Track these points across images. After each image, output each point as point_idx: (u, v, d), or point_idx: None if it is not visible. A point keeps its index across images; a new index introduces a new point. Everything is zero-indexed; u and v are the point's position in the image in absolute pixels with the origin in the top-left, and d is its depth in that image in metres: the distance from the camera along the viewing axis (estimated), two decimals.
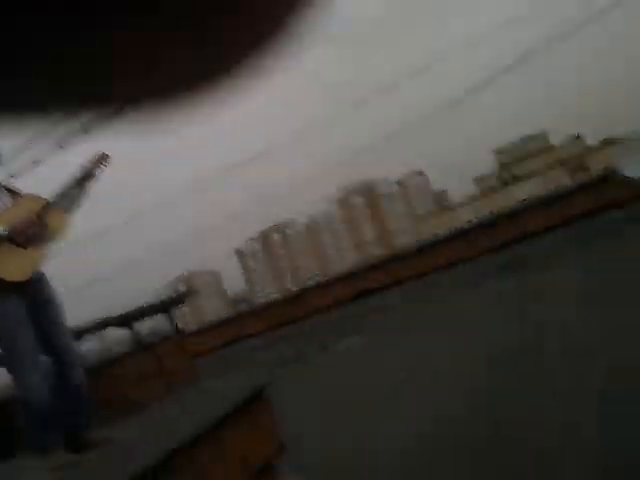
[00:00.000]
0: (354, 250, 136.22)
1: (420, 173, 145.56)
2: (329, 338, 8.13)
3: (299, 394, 4.80)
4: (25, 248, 3.28)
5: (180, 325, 9.97)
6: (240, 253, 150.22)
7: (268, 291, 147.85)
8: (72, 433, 3.30)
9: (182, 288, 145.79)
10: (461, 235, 11.17)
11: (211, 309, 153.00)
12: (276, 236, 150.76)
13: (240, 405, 3.12)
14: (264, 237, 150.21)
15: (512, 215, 10.77)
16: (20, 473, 3.16)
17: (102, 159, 3.71)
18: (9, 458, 5.03)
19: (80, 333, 6.23)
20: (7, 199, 3.44)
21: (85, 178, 3.59)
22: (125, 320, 9.01)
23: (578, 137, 61.75)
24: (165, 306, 10.09)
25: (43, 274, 3.42)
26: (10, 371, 3.27)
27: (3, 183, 3.50)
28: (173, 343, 8.93)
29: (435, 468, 3.24)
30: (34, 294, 3.32)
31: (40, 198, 3.47)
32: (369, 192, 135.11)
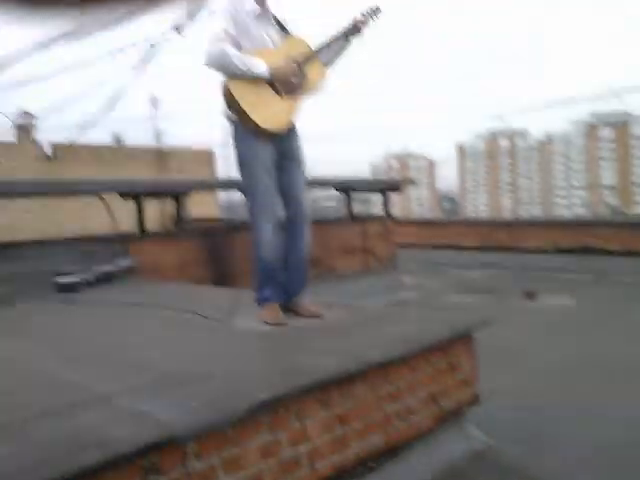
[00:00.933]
0: (585, 191, 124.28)
1: None
2: (535, 287, 7.70)
3: (494, 344, 4.62)
4: (281, 96, 3.25)
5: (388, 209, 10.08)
6: (461, 148, 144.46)
7: (479, 201, 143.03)
8: (289, 294, 3.44)
9: (396, 165, 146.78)
10: None
11: (417, 198, 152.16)
12: (504, 142, 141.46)
13: (444, 340, 3.06)
14: (491, 137, 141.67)
15: None
16: (236, 310, 3.39)
17: (374, 12, 3.50)
18: (225, 285, 5.60)
19: None
20: (275, 35, 3.35)
21: (352, 32, 3.42)
22: (346, 187, 9.33)
23: None
24: (384, 187, 10.24)
25: (295, 126, 3.41)
26: (250, 213, 3.34)
27: (276, 13, 3.39)
28: (382, 225, 9.14)
29: None
30: (283, 144, 3.32)
31: (306, 45, 3.36)
32: (622, 126, 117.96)
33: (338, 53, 3.48)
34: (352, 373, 2.51)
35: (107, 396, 2.23)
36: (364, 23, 3.45)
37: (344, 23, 3.44)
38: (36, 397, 2.30)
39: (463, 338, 3.17)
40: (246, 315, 3.36)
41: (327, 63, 3.47)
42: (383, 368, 2.67)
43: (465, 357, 3.17)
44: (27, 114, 16.05)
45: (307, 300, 3.50)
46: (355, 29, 3.43)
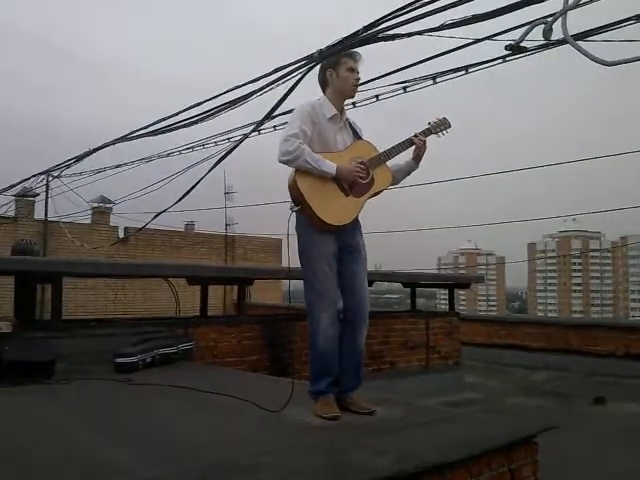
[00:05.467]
0: None
1: None
2: (604, 392, 7.28)
3: (559, 452, 4.30)
4: (347, 195, 3.33)
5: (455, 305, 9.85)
6: (532, 247, 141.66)
7: (547, 302, 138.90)
8: (342, 388, 3.36)
9: (462, 262, 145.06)
10: None
11: (484, 295, 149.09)
12: (576, 243, 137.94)
13: (505, 445, 2.90)
14: (562, 239, 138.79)
15: None
16: (290, 401, 3.31)
17: (442, 125, 3.61)
18: (282, 373, 5.54)
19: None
20: (348, 137, 3.49)
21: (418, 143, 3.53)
22: (411, 281, 9.24)
23: None
24: (451, 283, 10.08)
25: (358, 222, 3.47)
26: (307, 302, 3.35)
27: (351, 120, 3.57)
28: (447, 322, 8.91)
29: None
30: (345, 239, 3.37)
31: (373, 148, 3.48)
32: None
33: (406, 168, 3.63)
34: (406, 475, 2.38)
35: None
36: (430, 133, 3.58)
37: (415, 132, 3.56)
38: (80, 475, 2.27)
39: (525, 444, 3.00)
40: (300, 407, 3.28)
41: (397, 173, 3.60)
42: (440, 471, 2.53)
43: (527, 464, 2.98)
44: (104, 198, 16.93)
45: (360, 395, 3.40)
46: (427, 133, 3.57)
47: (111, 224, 17.06)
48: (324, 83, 3.52)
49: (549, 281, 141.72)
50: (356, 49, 4.08)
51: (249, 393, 3.66)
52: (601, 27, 4.84)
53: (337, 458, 2.56)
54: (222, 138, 9.43)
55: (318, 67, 3.71)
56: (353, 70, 3.47)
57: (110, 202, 16.90)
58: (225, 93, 7.33)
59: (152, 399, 3.84)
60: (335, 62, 3.50)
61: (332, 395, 3.29)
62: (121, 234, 16.52)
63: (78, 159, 12.61)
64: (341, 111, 3.49)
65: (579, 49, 2.95)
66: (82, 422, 3.22)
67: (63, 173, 14.71)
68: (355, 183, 3.33)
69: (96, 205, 16.86)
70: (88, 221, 16.75)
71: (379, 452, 2.60)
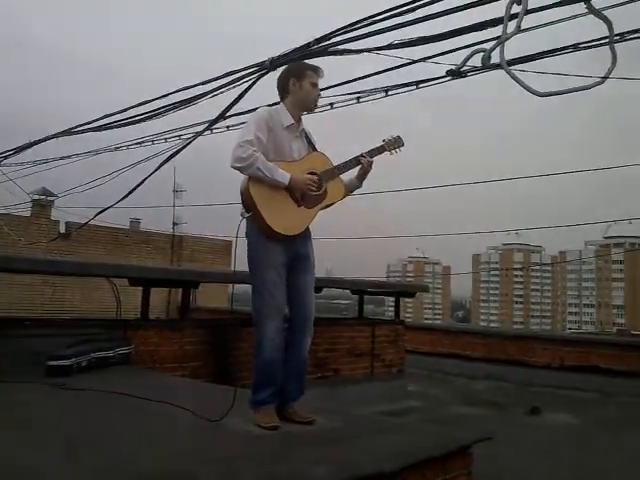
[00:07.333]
0: (599, 310, 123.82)
1: None
2: (540, 402, 7.48)
3: (494, 461, 4.34)
4: (298, 205, 3.32)
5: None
6: (476, 259, 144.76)
7: (490, 312, 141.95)
8: (284, 398, 3.33)
9: (410, 270, 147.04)
10: None
11: (430, 303, 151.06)
12: (518, 256, 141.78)
13: (440, 455, 2.92)
14: (505, 252, 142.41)
15: None
16: (229, 410, 3.24)
17: (396, 143, 3.65)
18: (225, 381, 5.45)
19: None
20: (303, 147, 3.49)
21: (372, 156, 3.56)
22: (359, 289, 9.26)
23: None
24: (397, 292, 10.15)
25: (309, 232, 3.47)
26: (254, 309, 3.30)
27: (307, 130, 3.56)
28: (392, 330, 8.96)
29: None
30: (295, 248, 3.35)
31: (328, 161, 3.48)
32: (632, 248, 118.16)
33: (358, 181, 3.62)
34: None
35: None
36: (384, 151, 3.61)
37: (362, 151, 3.57)
38: None
39: (461, 454, 3.04)
40: (239, 416, 3.21)
41: (349, 185, 3.61)
42: None
43: (462, 474, 3.02)
44: (46, 190, 16.38)
45: (301, 405, 3.38)
46: (375, 154, 3.59)
47: (52, 218, 16.52)
48: (284, 91, 3.49)
49: (492, 292, 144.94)
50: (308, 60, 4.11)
51: (188, 401, 3.57)
52: (539, 53, 5.07)
53: (274, 468, 2.53)
54: (172, 135, 9.27)
55: (279, 72, 3.67)
56: (316, 86, 3.48)
57: (52, 195, 16.35)
58: (175, 92, 7.24)
59: (85, 405, 3.70)
60: (300, 73, 3.47)
61: (273, 405, 3.25)
62: (62, 229, 16.03)
63: (18, 150, 12.18)
64: (298, 121, 3.48)
65: (514, 77, 3.01)
66: (7, 429, 3.07)
67: (2, 163, 14.16)
68: (307, 194, 3.32)
69: (37, 197, 16.29)
70: (27, 214, 16.19)
71: (317, 462, 2.59)
